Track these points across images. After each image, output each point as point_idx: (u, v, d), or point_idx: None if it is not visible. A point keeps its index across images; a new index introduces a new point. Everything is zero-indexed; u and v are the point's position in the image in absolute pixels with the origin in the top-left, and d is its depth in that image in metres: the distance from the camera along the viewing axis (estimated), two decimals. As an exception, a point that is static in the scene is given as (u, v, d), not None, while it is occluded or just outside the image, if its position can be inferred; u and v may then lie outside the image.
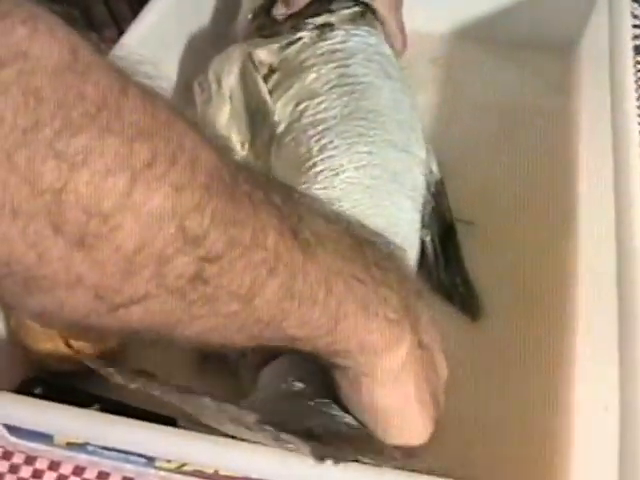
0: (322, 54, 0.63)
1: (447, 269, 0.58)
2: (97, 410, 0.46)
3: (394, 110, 0.60)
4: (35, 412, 0.42)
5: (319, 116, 0.59)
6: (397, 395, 0.39)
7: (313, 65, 0.62)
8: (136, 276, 0.28)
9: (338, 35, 0.64)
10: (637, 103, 0.61)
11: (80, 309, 0.29)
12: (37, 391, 0.48)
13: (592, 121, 0.66)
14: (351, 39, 0.64)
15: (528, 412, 0.49)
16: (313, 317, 0.34)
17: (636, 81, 0.62)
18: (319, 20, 0.66)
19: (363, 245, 0.37)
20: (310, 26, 0.65)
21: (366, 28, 0.66)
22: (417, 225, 0.57)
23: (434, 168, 0.61)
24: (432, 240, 0.59)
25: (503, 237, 0.59)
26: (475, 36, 0.79)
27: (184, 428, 0.43)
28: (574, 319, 0.54)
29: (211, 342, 0.34)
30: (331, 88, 0.60)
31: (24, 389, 0.48)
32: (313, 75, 0.61)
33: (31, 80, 0.25)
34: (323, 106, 0.59)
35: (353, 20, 0.67)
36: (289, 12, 0.68)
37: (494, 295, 0.56)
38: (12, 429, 0.45)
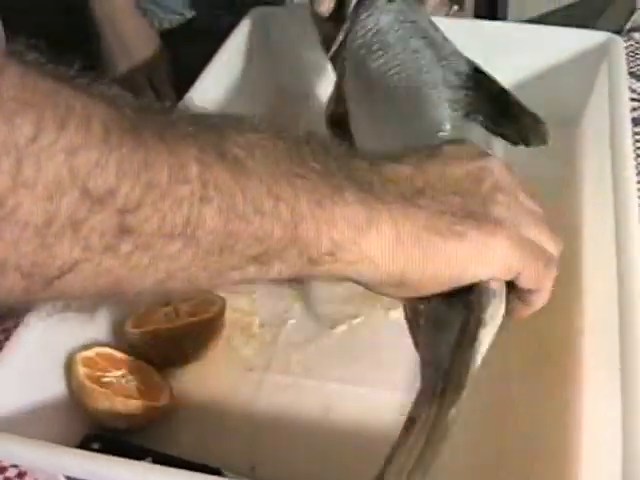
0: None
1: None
2: (149, 462, 0.49)
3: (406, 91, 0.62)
4: (94, 465, 0.45)
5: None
6: (426, 260, 0.37)
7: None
8: (56, 247, 0.27)
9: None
10: (637, 170, 0.64)
11: (14, 289, 0.28)
12: (96, 446, 0.51)
13: (595, 190, 0.68)
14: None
15: (536, 449, 0.52)
16: (267, 230, 0.32)
17: (635, 150, 0.65)
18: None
19: (297, 144, 0.35)
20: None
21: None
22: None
23: (462, 67, 0.63)
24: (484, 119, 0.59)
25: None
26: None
27: (229, 477, 0.46)
28: (580, 365, 0.56)
29: (175, 289, 0.33)
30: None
31: (84, 445, 0.51)
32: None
33: None
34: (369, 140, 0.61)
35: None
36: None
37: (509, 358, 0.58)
38: (73, 481, 0.48)
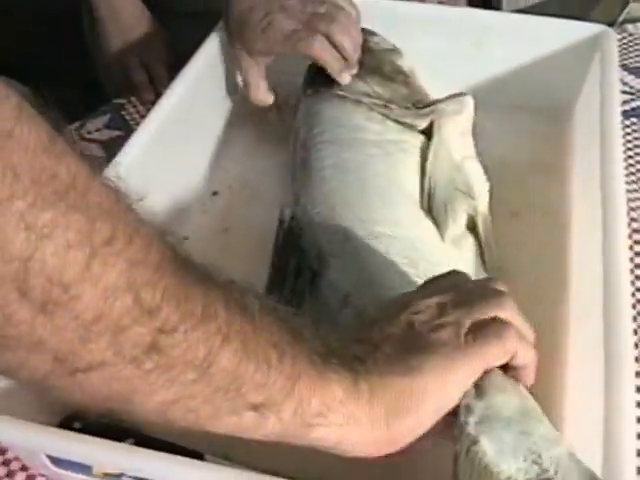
0: None
1: None
2: (131, 444, 0.48)
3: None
4: (75, 445, 0.44)
5: None
6: (403, 402, 0.39)
7: None
8: (93, 343, 0.30)
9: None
10: (625, 164, 0.63)
11: (40, 369, 0.30)
12: (77, 426, 0.50)
13: (584, 181, 0.67)
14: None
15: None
16: (270, 380, 0.35)
17: (625, 143, 0.64)
18: None
19: (292, 317, 0.39)
20: None
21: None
22: None
23: None
24: None
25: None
26: (479, 101, 0.81)
27: (211, 461, 0.45)
28: (564, 376, 0.56)
29: (176, 418, 0.35)
30: None
31: (65, 424, 0.50)
32: None
33: (11, 157, 0.26)
34: None
35: None
36: None
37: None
38: (55, 460, 0.47)
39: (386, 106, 0.68)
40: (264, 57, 0.71)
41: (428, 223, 0.61)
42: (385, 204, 0.61)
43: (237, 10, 0.70)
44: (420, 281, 0.51)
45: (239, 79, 0.75)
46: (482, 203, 0.63)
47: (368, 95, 0.69)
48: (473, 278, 0.56)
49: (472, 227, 0.62)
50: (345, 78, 0.69)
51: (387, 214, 0.60)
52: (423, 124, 0.67)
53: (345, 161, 0.64)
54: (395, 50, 0.75)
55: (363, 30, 0.73)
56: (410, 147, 0.66)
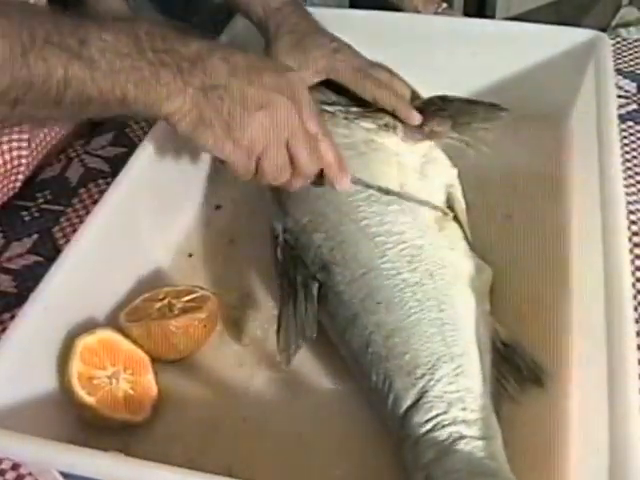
0: None
1: None
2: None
3: None
4: (85, 460, 0.44)
5: None
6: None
7: None
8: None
9: None
10: (624, 166, 0.63)
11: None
12: (88, 441, 0.49)
13: (583, 186, 0.67)
14: None
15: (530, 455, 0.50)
16: (106, 89, 0.48)
17: (621, 147, 0.63)
18: None
19: (142, 41, 0.50)
20: None
21: None
22: None
23: None
24: None
25: (500, 291, 0.61)
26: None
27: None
28: (568, 365, 0.56)
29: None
30: None
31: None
32: None
33: None
34: None
35: None
36: None
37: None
38: (66, 475, 0.47)
39: (347, 111, 0.68)
40: (317, 77, 0.71)
41: (414, 214, 0.61)
42: (372, 202, 0.60)
43: (297, 28, 0.71)
44: (422, 275, 0.55)
45: None
46: (456, 188, 0.64)
47: (326, 103, 0.69)
48: (464, 259, 0.59)
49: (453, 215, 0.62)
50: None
51: (376, 211, 0.60)
52: (386, 120, 0.68)
53: None
54: None
55: None
56: (379, 144, 0.66)
